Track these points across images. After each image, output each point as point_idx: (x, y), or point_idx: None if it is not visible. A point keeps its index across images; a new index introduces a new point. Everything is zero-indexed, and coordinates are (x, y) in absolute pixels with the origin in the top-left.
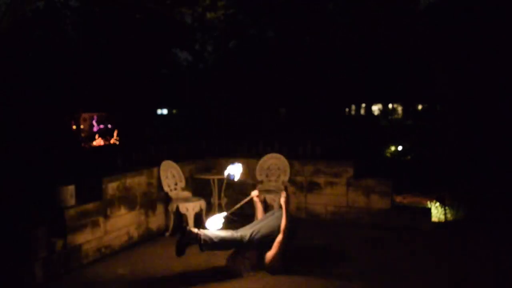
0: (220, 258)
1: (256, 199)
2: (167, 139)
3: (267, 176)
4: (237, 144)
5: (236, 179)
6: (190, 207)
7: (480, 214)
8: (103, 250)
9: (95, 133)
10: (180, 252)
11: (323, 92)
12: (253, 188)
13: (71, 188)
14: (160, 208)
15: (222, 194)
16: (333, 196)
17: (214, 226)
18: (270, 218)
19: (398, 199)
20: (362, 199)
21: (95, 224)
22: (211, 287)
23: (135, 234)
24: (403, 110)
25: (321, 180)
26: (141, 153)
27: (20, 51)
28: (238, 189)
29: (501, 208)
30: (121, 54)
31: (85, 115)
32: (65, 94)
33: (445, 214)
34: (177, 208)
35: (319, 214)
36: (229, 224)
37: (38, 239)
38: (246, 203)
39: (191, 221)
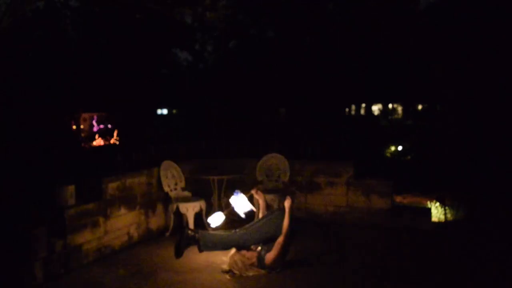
0: (219, 258)
1: (256, 197)
2: (167, 139)
3: (267, 176)
4: (237, 144)
5: (241, 213)
6: (190, 207)
7: (480, 214)
8: (103, 250)
9: (95, 133)
10: (178, 254)
11: (323, 92)
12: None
13: (71, 188)
14: (160, 208)
15: (222, 194)
16: (333, 196)
17: (214, 224)
18: (269, 218)
19: (398, 199)
20: (362, 199)
21: (95, 224)
22: (211, 287)
23: (135, 234)
24: (403, 110)
25: (321, 180)
26: (141, 153)
27: (20, 51)
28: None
29: (501, 208)
30: (121, 54)
31: (85, 115)
32: (65, 94)
33: (445, 214)
34: (177, 208)
35: (319, 214)
36: (229, 223)
37: (38, 239)
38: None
39: (191, 221)
